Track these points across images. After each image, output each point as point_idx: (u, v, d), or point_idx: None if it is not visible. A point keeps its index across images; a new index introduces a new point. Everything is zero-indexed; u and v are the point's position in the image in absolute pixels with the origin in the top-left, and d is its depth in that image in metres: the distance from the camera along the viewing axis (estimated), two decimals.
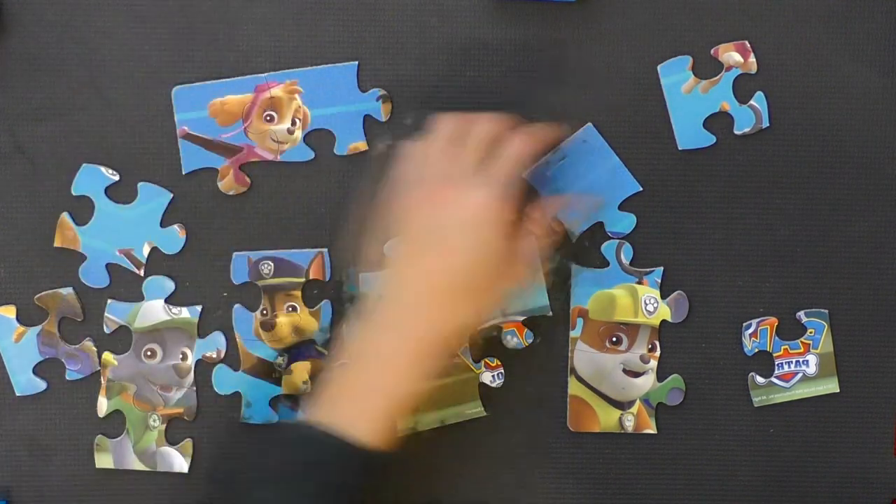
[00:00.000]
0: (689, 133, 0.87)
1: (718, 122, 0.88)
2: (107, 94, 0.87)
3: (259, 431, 0.88)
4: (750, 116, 0.88)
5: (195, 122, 0.87)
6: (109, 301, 0.88)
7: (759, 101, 0.88)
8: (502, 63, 0.88)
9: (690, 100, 0.88)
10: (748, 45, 0.87)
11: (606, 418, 0.89)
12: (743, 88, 0.88)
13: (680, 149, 0.88)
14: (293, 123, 0.87)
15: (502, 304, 0.83)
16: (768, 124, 0.88)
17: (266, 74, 0.87)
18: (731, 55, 0.87)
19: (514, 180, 0.80)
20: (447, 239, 0.78)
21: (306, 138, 0.88)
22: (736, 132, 0.88)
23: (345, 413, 0.77)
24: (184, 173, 0.87)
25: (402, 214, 0.80)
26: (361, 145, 0.88)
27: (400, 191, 0.81)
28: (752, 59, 0.87)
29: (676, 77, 0.87)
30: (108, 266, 0.88)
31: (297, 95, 0.87)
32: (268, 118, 0.87)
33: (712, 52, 0.87)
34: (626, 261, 0.89)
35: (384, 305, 0.79)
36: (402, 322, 0.78)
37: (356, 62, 0.87)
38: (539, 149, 0.83)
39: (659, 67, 0.87)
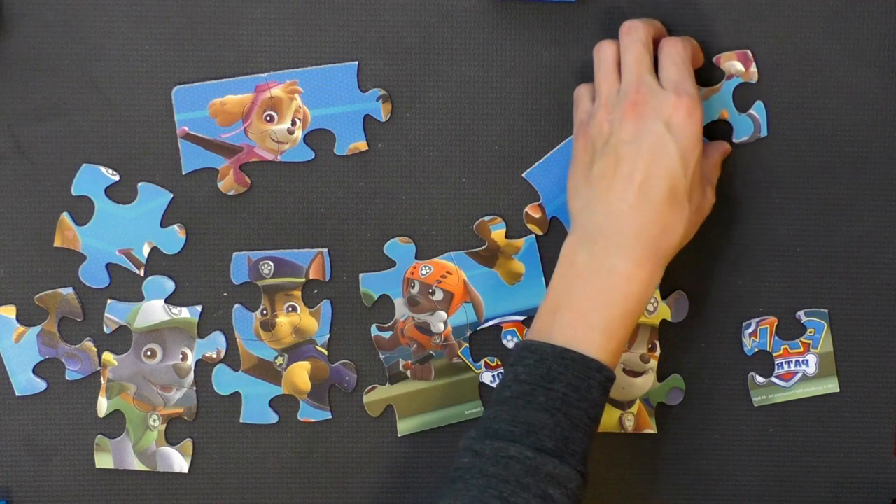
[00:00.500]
0: None
1: (717, 130, 0.88)
2: (107, 94, 0.87)
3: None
4: (749, 125, 0.88)
5: (195, 122, 0.87)
6: (109, 301, 0.88)
7: (758, 110, 0.88)
8: (502, 63, 0.88)
9: None
10: (750, 55, 0.87)
11: (606, 418, 0.89)
12: (743, 97, 0.88)
13: None
14: (293, 123, 0.87)
15: (696, 228, 0.83)
16: (766, 133, 0.88)
17: (266, 74, 0.87)
18: (732, 64, 0.87)
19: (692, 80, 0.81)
20: (641, 143, 0.78)
21: (306, 138, 0.88)
22: (734, 140, 0.88)
23: (578, 329, 0.78)
24: (184, 173, 0.87)
25: (593, 136, 0.80)
26: (361, 145, 0.88)
27: (594, 117, 0.81)
28: (754, 68, 0.87)
29: None
30: (108, 266, 0.88)
31: (297, 95, 0.87)
32: (268, 118, 0.87)
33: (714, 59, 0.87)
34: None
35: (599, 220, 0.79)
36: (620, 233, 0.78)
37: (356, 62, 0.87)
38: (693, 46, 0.84)
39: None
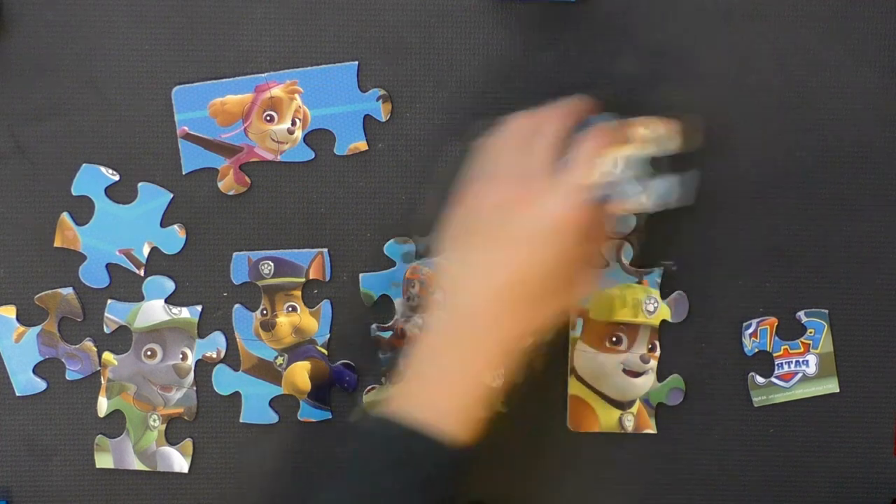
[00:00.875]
0: None
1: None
2: (107, 94, 0.87)
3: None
4: (665, 188, 0.86)
5: (195, 122, 0.87)
6: (109, 301, 0.88)
7: (688, 176, 0.87)
8: (502, 63, 0.88)
9: None
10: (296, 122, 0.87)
11: (606, 418, 0.89)
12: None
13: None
14: (293, 123, 0.87)
15: (570, 313, 0.82)
16: (682, 201, 0.87)
17: (266, 74, 0.87)
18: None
19: (591, 186, 0.77)
20: (520, 240, 0.76)
21: (306, 138, 0.88)
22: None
23: (431, 406, 0.76)
24: (184, 173, 0.87)
25: (475, 206, 0.78)
26: (361, 145, 0.88)
27: (475, 185, 0.79)
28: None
29: None
30: (108, 266, 0.88)
31: (297, 95, 0.87)
32: (268, 118, 0.87)
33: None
34: (626, 261, 0.89)
35: (456, 297, 0.78)
36: (475, 316, 0.77)
37: (356, 62, 0.87)
38: (611, 145, 0.79)
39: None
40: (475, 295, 0.77)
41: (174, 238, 0.88)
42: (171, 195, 0.87)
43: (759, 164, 0.89)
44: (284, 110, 0.87)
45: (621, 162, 0.79)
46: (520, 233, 0.76)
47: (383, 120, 0.88)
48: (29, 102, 0.87)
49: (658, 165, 0.81)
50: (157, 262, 0.88)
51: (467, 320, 0.77)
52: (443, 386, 0.77)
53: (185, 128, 0.87)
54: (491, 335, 0.76)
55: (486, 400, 0.77)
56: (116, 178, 0.87)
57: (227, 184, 0.87)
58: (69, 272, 0.88)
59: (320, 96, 0.87)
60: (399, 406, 0.76)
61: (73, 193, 0.87)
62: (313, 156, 0.88)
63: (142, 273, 0.88)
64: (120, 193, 0.87)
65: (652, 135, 0.81)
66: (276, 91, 0.87)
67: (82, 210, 0.87)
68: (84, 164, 0.87)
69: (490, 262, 0.76)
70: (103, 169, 0.87)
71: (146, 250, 0.88)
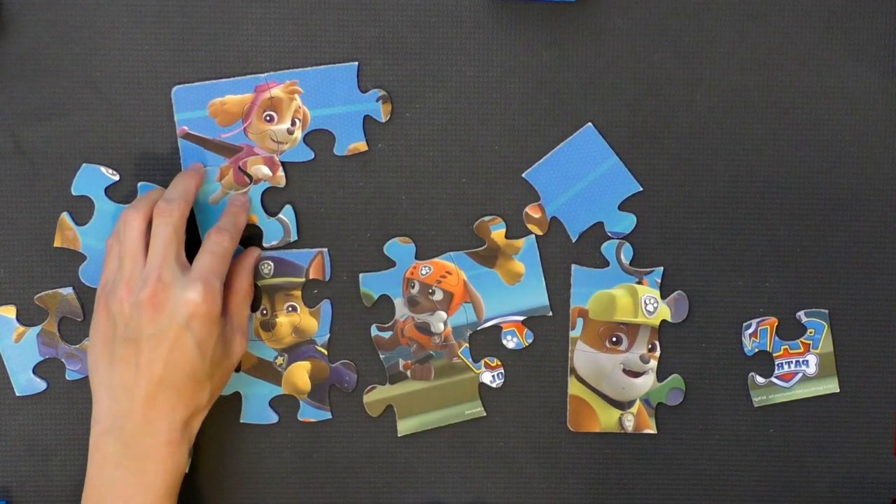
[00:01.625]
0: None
1: (246, 234, 0.87)
2: (107, 94, 0.87)
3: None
4: (278, 229, 0.87)
5: (195, 122, 0.87)
6: None
7: (287, 214, 0.87)
8: (502, 63, 0.88)
9: (216, 209, 0.87)
10: (277, 159, 0.87)
11: (606, 418, 0.89)
12: (272, 201, 0.87)
13: None
14: (293, 124, 0.87)
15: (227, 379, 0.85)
16: (296, 238, 0.87)
17: (266, 74, 0.87)
18: (259, 168, 0.87)
19: (206, 269, 0.81)
20: (160, 338, 0.79)
21: (306, 138, 0.88)
22: (264, 244, 0.87)
23: None
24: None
25: (114, 313, 0.80)
26: (361, 146, 0.88)
27: (116, 292, 0.81)
28: (281, 172, 0.87)
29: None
30: None
31: (296, 96, 0.87)
32: (267, 118, 0.87)
33: (241, 164, 0.86)
34: (626, 261, 0.89)
35: (122, 406, 0.80)
36: (145, 420, 0.80)
37: (356, 63, 0.87)
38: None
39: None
40: (131, 400, 0.80)
41: None
42: None
43: (759, 164, 0.89)
44: (284, 110, 0.87)
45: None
46: (158, 329, 0.79)
47: (383, 120, 0.88)
48: (29, 102, 0.87)
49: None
50: None
51: (130, 426, 0.80)
52: (129, 477, 0.80)
53: (185, 127, 0.87)
54: (158, 431, 0.80)
55: (175, 485, 0.81)
56: (116, 178, 0.87)
57: (227, 183, 0.87)
58: (69, 272, 0.88)
59: (320, 96, 0.87)
60: None
61: (73, 193, 0.87)
62: (313, 156, 0.88)
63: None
64: (120, 193, 0.87)
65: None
66: (276, 91, 0.87)
67: (82, 210, 0.87)
68: (84, 165, 0.87)
69: (137, 366, 0.80)
70: (103, 169, 0.87)
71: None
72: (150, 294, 0.79)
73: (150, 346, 0.79)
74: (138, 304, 0.79)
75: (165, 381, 0.79)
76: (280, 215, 0.88)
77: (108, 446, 0.80)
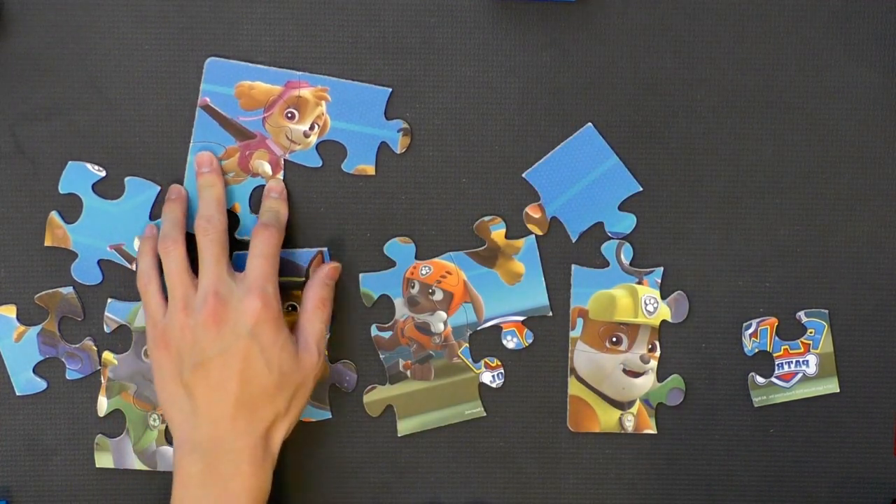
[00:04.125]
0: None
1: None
2: (107, 94, 0.87)
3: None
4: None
5: (218, 97, 0.87)
6: (109, 300, 0.88)
7: None
8: (502, 63, 0.88)
9: None
10: (281, 161, 0.87)
11: (606, 418, 0.89)
12: (259, 199, 0.87)
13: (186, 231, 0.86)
14: (311, 128, 0.87)
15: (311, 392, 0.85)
16: None
17: (301, 73, 0.87)
18: (260, 164, 0.87)
19: (259, 276, 0.81)
20: (228, 352, 0.79)
21: (319, 146, 0.87)
22: (237, 237, 0.87)
23: None
24: (192, 144, 0.87)
25: (188, 340, 0.80)
26: (369, 169, 0.88)
27: (173, 322, 0.81)
28: (281, 175, 0.87)
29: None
30: (100, 262, 0.88)
31: (323, 102, 0.87)
32: (289, 115, 0.87)
33: (247, 154, 0.86)
34: (626, 261, 0.89)
35: (203, 431, 0.80)
36: (227, 440, 0.80)
37: (390, 89, 0.87)
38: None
39: (191, 145, 0.86)
40: (210, 423, 0.80)
41: None
42: (159, 188, 0.87)
43: (759, 164, 0.89)
44: (307, 112, 0.87)
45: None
46: (224, 345, 0.79)
47: (398, 152, 0.87)
48: (29, 102, 0.87)
49: None
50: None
51: (212, 448, 0.80)
52: (215, 497, 0.80)
53: (208, 99, 0.87)
54: (239, 450, 0.80)
55: (261, 500, 0.81)
56: (103, 174, 0.87)
57: (230, 165, 0.87)
58: (69, 271, 0.88)
59: (345, 110, 0.87)
60: None
61: (61, 192, 0.87)
62: (321, 164, 0.88)
63: (134, 268, 0.88)
64: (107, 189, 0.87)
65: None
66: (305, 92, 0.87)
67: (71, 208, 0.87)
68: (70, 162, 0.87)
69: (211, 388, 0.80)
70: (89, 165, 0.87)
71: (137, 245, 0.87)
72: (210, 312, 0.79)
73: (219, 364, 0.79)
74: (200, 326, 0.80)
75: (240, 397, 0.79)
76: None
77: (192, 467, 0.80)
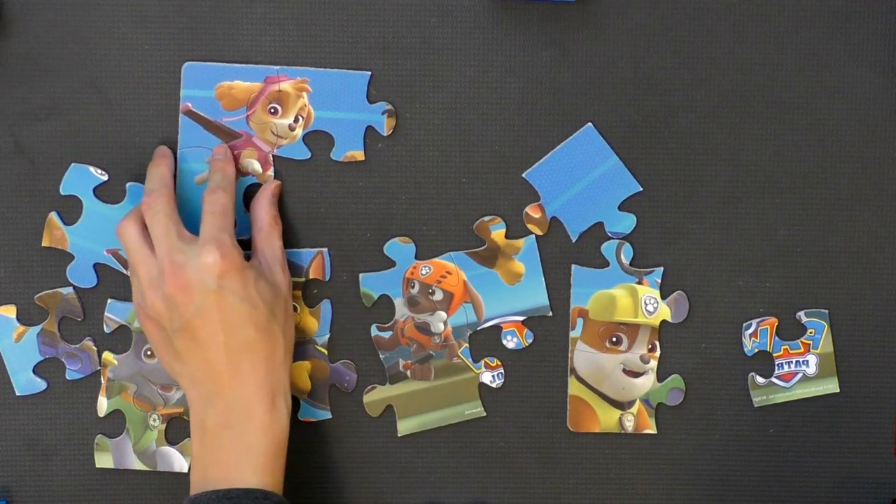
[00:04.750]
0: (189, 223, 0.85)
1: None
2: (107, 94, 0.87)
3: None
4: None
5: (199, 101, 0.87)
6: (109, 301, 0.88)
7: None
8: (502, 63, 0.88)
9: (200, 191, 0.87)
10: (271, 159, 0.87)
11: (606, 418, 0.89)
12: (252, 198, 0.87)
13: None
14: (296, 120, 0.87)
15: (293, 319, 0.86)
16: None
17: (278, 67, 0.87)
18: (250, 162, 0.87)
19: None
20: (204, 308, 0.80)
21: (305, 138, 0.88)
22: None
23: (233, 479, 0.80)
24: (179, 150, 0.87)
25: (163, 311, 0.81)
26: (358, 154, 0.88)
27: (146, 299, 0.82)
28: (271, 172, 0.87)
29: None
30: (95, 266, 0.88)
31: (304, 94, 0.87)
32: (272, 110, 0.87)
33: (236, 153, 0.86)
34: (626, 261, 0.89)
35: (208, 386, 0.81)
36: (233, 387, 0.81)
37: (369, 72, 0.87)
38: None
39: (179, 152, 0.87)
40: (212, 377, 0.81)
41: None
42: None
43: (758, 164, 0.89)
44: (289, 106, 0.87)
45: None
46: (198, 303, 0.80)
47: (385, 134, 0.88)
48: (29, 102, 0.87)
49: None
50: None
51: (220, 400, 0.81)
52: (232, 444, 0.80)
53: (189, 104, 0.87)
54: (248, 394, 0.81)
55: (281, 440, 0.82)
56: (105, 177, 0.87)
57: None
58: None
59: (328, 99, 0.87)
60: (204, 479, 0.80)
61: (62, 193, 0.87)
62: (309, 156, 0.88)
63: (129, 273, 0.88)
64: (108, 193, 0.87)
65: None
66: (285, 85, 0.87)
67: (70, 209, 0.87)
68: (73, 164, 0.87)
69: (200, 345, 0.80)
70: (92, 169, 0.87)
71: None
72: (172, 282, 0.80)
73: (200, 322, 0.80)
74: (168, 297, 0.80)
75: (232, 344, 0.80)
76: None
77: (207, 419, 0.81)
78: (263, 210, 0.86)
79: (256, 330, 0.81)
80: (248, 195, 0.87)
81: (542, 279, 0.89)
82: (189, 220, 0.85)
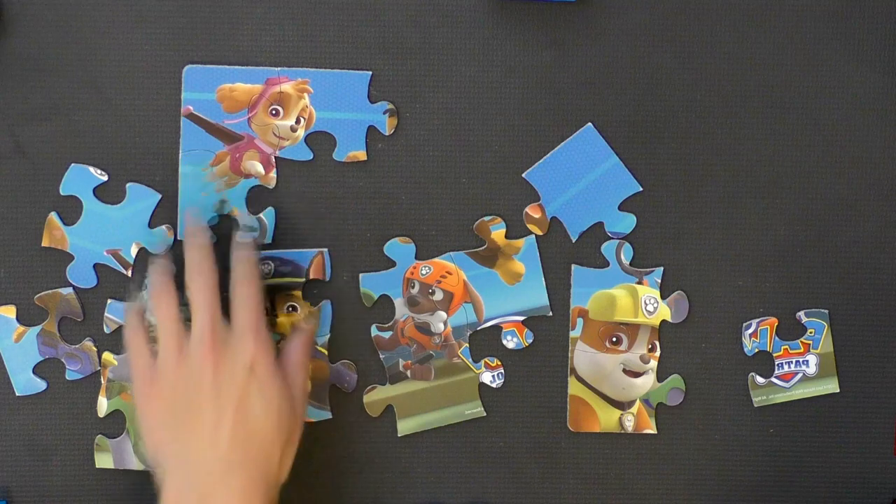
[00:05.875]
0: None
1: (223, 225, 0.87)
2: (107, 94, 0.87)
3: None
4: (255, 227, 0.87)
5: (201, 104, 0.87)
6: (109, 301, 0.88)
7: (268, 215, 0.87)
8: (502, 63, 0.88)
9: (203, 189, 0.87)
10: (273, 160, 0.87)
11: (606, 418, 0.89)
12: (257, 199, 0.87)
13: (180, 238, 0.86)
14: (297, 122, 0.87)
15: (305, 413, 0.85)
16: (271, 241, 0.87)
17: (279, 69, 0.87)
18: (253, 164, 0.87)
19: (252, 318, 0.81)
20: (240, 387, 0.78)
21: (307, 138, 0.88)
22: (238, 239, 0.85)
23: None
24: (181, 153, 0.87)
25: (180, 384, 0.79)
26: (361, 154, 0.88)
27: (166, 366, 0.80)
28: (273, 174, 0.87)
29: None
30: (95, 266, 0.88)
31: (306, 95, 0.87)
32: (273, 112, 0.87)
33: (237, 157, 0.86)
34: (626, 261, 0.89)
35: (197, 467, 0.79)
36: (222, 474, 0.78)
37: (370, 72, 0.87)
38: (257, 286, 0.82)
39: (181, 155, 0.87)
40: (204, 458, 0.78)
41: (162, 239, 0.88)
42: (160, 196, 0.87)
43: (759, 164, 0.89)
44: (291, 107, 0.87)
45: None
46: (221, 382, 0.78)
47: (387, 133, 0.88)
48: (29, 102, 0.87)
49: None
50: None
51: (208, 482, 0.78)
52: None
53: (190, 107, 0.87)
54: (238, 476, 0.78)
55: None
56: (105, 178, 0.87)
57: (222, 169, 0.87)
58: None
59: (329, 99, 0.87)
60: None
61: (62, 193, 0.87)
62: (312, 157, 0.88)
63: (129, 273, 0.88)
64: (108, 194, 0.87)
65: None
66: (287, 87, 0.87)
67: (70, 210, 0.87)
68: (72, 164, 0.87)
69: (207, 425, 0.78)
70: (92, 169, 0.87)
71: (134, 251, 0.88)
72: (209, 349, 0.79)
73: (213, 405, 0.78)
74: (197, 365, 0.79)
75: (235, 435, 0.78)
76: (261, 215, 0.87)
77: (183, 499, 0.78)
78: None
79: (262, 428, 0.79)
80: (249, 198, 0.87)
81: (542, 279, 0.89)
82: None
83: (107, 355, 0.88)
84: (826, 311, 0.89)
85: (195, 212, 0.85)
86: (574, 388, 0.89)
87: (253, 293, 0.81)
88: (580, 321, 0.89)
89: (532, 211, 0.89)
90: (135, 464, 0.89)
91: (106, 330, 0.88)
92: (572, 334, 0.89)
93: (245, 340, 0.79)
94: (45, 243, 0.87)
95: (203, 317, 0.80)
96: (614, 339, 0.89)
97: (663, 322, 0.89)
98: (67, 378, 0.88)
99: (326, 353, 0.89)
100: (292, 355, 0.83)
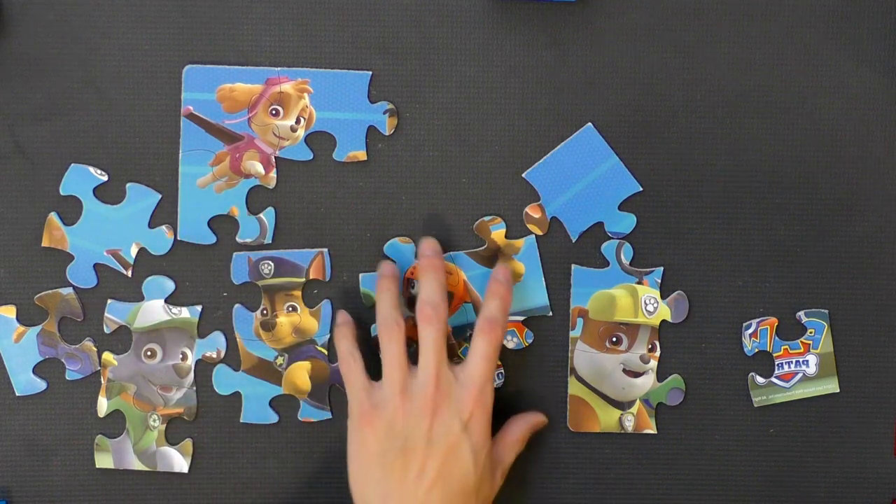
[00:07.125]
0: (191, 226, 0.86)
1: (222, 224, 0.87)
2: (107, 94, 0.87)
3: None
4: (255, 227, 0.87)
5: (201, 104, 0.87)
6: (109, 301, 0.88)
7: (268, 216, 0.87)
8: (502, 63, 0.88)
9: (202, 194, 0.87)
10: (273, 160, 0.87)
11: (606, 418, 0.89)
12: (256, 200, 0.87)
13: (180, 238, 0.87)
14: (297, 122, 0.87)
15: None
16: (271, 241, 0.87)
17: (279, 69, 0.87)
18: (253, 164, 0.87)
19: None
20: (454, 443, 0.79)
21: (307, 139, 0.88)
22: (238, 240, 0.87)
23: None
24: (181, 153, 0.87)
25: (398, 423, 0.80)
26: (361, 154, 0.88)
27: (390, 403, 0.81)
28: (273, 174, 0.87)
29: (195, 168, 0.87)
30: (95, 266, 0.88)
31: (306, 95, 0.87)
32: (273, 112, 0.87)
33: (237, 156, 0.86)
34: (626, 261, 0.89)
35: None
36: None
37: (370, 72, 0.87)
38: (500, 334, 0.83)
39: (181, 155, 0.87)
40: (402, 498, 0.79)
41: (162, 239, 0.88)
42: (160, 196, 0.87)
43: (758, 164, 0.89)
44: (291, 107, 0.87)
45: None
46: (435, 433, 0.80)
47: (387, 133, 0.88)
48: (29, 102, 0.87)
49: None
50: (158, 262, 0.88)
51: None
52: None
53: (191, 108, 0.87)
54: None
55: None
56: (105, 178, 0.87)
57: (221, 170, 0.87)
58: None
59: (329, 99, 0.87)
60: None
61: (62, 193, 0.87)
62: (312, 157, 0.88)
63: (129, 273, 0.88)
64: (108, 194, 0.87)
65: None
66: (287, 87, 0.87)
67: (70, 210, 0.87)
68: (72, 164, 0.87)
69: (408, 475, 0.79)
70: (92, 169, 0.87)
71: (134, 251, 0.88)
72: (430, 399, 0.80)
73: (423, 454, 0.79)
74: (416, 411, 0.80)
75: (439, 489, 0.79)
76: (261, 215, 0.88)
77: None
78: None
79: (463, 488, 0.80)
80: (249, 199, 0.87)
81: (542, 279, 0.89)
82: (189, 225, 0.85)
83: (107, 355, 0.88)
84: (826, 311, 0.89)
85: (432, 244, 0.86)
86: (574, 388, 0.89)
87: (491, 351, 0.82)
88: (580, 321, 0.89)
89: (532, 211, 0.89)
90: (135, 464, 0.89)
91: (106, 330, 0.88)
92: (572, 334, 0.89)
93: (468, 396, 0.80)
94: (45, 243, 0.87)
95: (431, 363, 0.81)
96: (614, 339, 0.89)
97: (663, 322, 0.89)
98: (67, 378, 0.88)
99: (326, 353, 0.89)
100: (515, 433, 0.85)
